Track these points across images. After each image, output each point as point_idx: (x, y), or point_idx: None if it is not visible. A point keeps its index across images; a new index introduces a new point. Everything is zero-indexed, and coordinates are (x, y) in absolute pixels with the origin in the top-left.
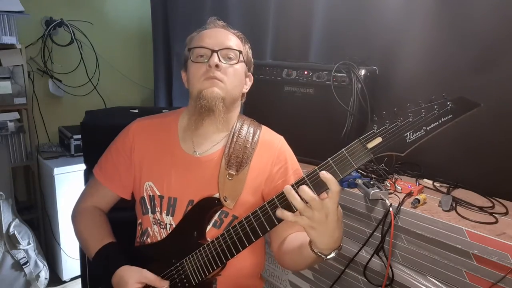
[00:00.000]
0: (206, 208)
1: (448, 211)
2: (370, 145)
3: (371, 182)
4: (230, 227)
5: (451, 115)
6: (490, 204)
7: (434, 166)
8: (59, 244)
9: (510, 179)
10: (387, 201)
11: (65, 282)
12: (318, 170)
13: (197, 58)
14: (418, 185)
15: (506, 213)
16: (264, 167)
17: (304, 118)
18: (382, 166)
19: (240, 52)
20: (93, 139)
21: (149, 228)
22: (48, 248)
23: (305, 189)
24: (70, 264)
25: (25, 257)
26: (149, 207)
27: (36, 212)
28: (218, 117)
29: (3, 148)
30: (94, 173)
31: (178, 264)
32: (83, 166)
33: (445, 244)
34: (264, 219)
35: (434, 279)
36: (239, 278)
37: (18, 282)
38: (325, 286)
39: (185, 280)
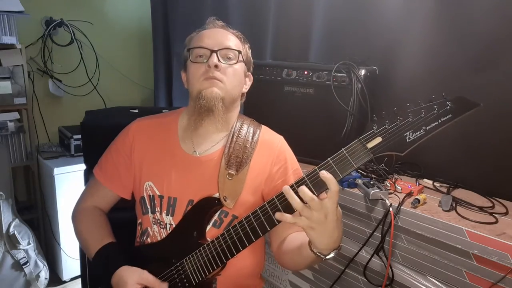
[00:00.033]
0: (206, 208)
1: (448, 211)
2: (370, 145)
3: (371, 182)
4: (230, 227)
5: (450, 115)
6: (490, 204)
7: (434, 166)
8: (59, 244)
9: (510, 179)
10: (387, 201)
11: (65, 282)
12: (318, 170)
13: (197, 58)
14: (418, 185)
15: (506, 213)
16: (264, 166)
17: (304, 118)
18: (382, 166)
19: (240, 52)
20: (93, 139)
21: (149, 228)
22: (48, 248)
23: (304, 190)
24: (70, 264)
25: (25, 257)
26: (149, 207)
27: (36, 212)
28: (217, 117)
29: (3, 148)
30: (94, 173)
31: (178, 264)
32: (83, 166)
33: (445, 244)
34: (264, 219)
35: (434, 279)
36: (239, 278)
37: (18, 282)
38: (325, 286)
39: (185, 280)
